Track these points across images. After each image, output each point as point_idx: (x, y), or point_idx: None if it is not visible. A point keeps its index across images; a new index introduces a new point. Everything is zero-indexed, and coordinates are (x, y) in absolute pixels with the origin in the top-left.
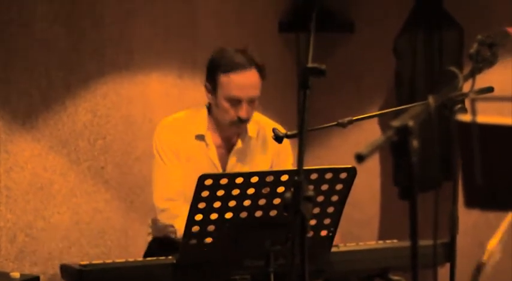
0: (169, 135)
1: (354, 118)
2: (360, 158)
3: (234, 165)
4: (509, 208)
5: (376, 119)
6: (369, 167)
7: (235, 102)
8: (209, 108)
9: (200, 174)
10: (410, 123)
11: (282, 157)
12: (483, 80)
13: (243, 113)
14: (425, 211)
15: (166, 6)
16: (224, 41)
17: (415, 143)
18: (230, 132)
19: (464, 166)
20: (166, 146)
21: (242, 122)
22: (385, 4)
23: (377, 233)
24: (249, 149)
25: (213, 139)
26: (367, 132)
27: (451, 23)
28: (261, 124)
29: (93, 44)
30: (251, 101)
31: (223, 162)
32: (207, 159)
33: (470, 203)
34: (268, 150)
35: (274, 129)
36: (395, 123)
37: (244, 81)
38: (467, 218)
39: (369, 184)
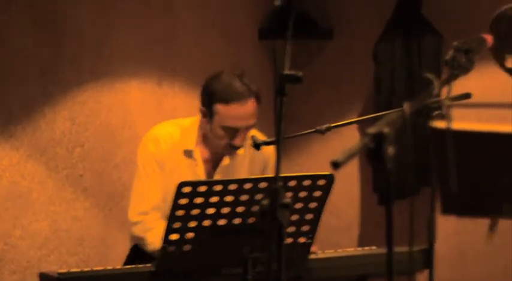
0: (156, 147)
1: (332, 125)
2: (336, 165)
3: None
4: (485, 214)
5: (355, 126)
6: (348, 173)
7: (232, 131)
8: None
9: None
10: (386, 130)
11: (269, 167)
12: (463, 86)
13: (238, 142)
14: (405, 218)
15: (146, 15)
16: (203, 49)
17: (390, 150)
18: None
19: (439, 173)
20: (151, 157)
21: (236, 148)
22: (364, 11)
23: (356, 239)
24: (236, 166)
25: (201, 154)
26: (347, 139)
27: (429, 30)
28: (247, 137)
29: (72, 52)
30: (247, 129)
31: (209, 177)
32: (193, 174)
33: (446, 210)
34: (256, 162)
35: (252, 137)
36: (371, 130)
37: (242, 112)
38: (447, 224)
39: (348, 190)
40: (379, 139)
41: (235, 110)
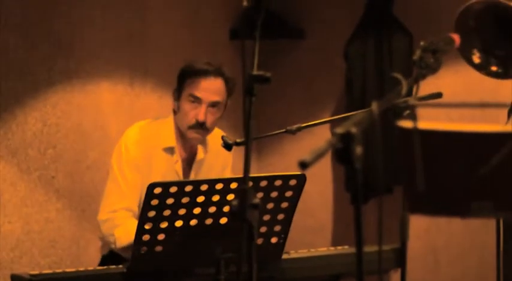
0: (136, 148)
1: (303, 125)
2: (303, 165)
3: (196, 176)
4: (453, 213)
5: (328, 125)
6: (320, 173)
7: (196, 103)
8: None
9: None
10: (353, 130)
11: (225, 167)
12: (436, 85)
13: (201, 115)
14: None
15: (116, 15)
16: (175, 49)
17: (358, 149)
18: (193, 142)
19: (406, 172)
20: (128, 159)
21: (200, 126)
22: (335, 10)
23: (330, 239)
24: (207, 161)
25: (180, 152)
26: (319, 138)
27: (400, 29)
28: (211, 134)
29: (43, 52)
30: (212, 106)
31: (186, 175)
32: (172, 172)
33: (414, 210)
34: (219, 160)
35: (223, 137)
36: (339, 130)
37: (208, 85)
38: (420, 223)
39: (321, 190)
40: (346, 139)
41: (200, 82)
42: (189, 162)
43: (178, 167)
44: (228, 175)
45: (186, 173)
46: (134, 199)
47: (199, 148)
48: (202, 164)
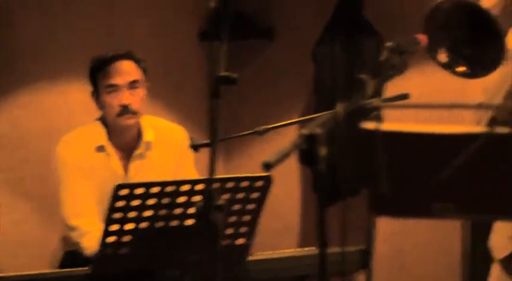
0: (71, 152)
1: (270, 126)
2: (267, 166)
3: (136, 171)
4: (416, 214)
5: (296, 126)
6: (288, 173)
7: (116, 91)
8: (103, 120)
9: (104, 186)
10: (318, 131)
11: (183, 160)
12: (402, 86)
13: (123, 98)
14: (348, 217)
15: (85, 15)
16: (143, 50)
17: (323, 151)
18: (127, 129)
19: (370, 174)
20: (69, 163)
21: (128, 110)
22: (305, 11)
23: (297, 241)
24: (150, 155)
25: (114, 149)
26: (288, 140)
27: (370, 30)
28: (158, 128)
29: (12, 53)
30: (132, 88)
31: (126, 170)
32: (109, 170)
33: (378, 211)
34: (170, 154)
35: (191, 138)
36: (304, 131)
37: (119, 69)
38: (386, 226)
39: (289, 191)
40: (311, 140)
41: (110, 70)
42: (128, 158)
43: (115, 164)
44: (191, 171)
45: (126, 168)
46: (90, 199)
47: (136, 144)
48: (147, 158)
